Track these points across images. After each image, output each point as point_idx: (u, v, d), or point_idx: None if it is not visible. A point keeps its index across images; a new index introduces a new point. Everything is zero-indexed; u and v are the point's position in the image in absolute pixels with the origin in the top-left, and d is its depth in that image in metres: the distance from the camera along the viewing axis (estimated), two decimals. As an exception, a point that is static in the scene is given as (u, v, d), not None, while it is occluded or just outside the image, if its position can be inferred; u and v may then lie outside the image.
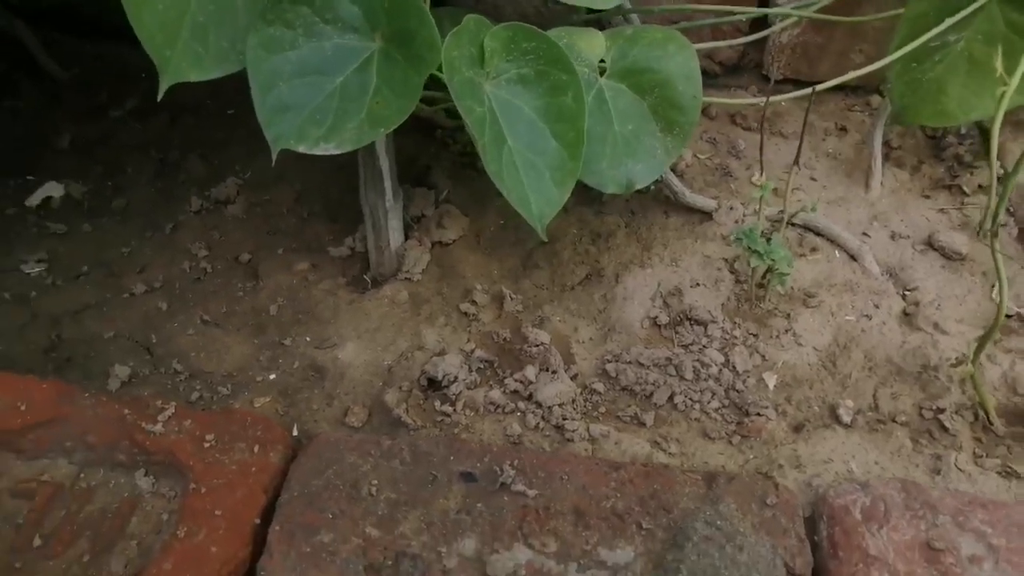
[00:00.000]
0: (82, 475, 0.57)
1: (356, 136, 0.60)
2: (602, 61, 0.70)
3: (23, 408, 0.58)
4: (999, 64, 0.48)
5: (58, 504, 0.55)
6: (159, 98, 0.58)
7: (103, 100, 1.01)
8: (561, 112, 0.63)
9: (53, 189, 0.87)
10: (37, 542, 0.53)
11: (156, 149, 0.93)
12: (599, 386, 0.69)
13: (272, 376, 0.70)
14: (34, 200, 0.86)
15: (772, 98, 0.78)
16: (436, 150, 0.92)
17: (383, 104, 0.60)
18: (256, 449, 0.57)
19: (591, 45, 0.70)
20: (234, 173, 0.89)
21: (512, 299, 0.76)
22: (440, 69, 0.59)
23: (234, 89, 1.04)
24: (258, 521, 0.53)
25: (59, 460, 0.58)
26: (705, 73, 1.03)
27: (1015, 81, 0.50)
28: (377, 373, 0.70)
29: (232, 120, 0.98)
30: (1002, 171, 0.88)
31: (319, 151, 0.60)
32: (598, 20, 0.89)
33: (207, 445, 0.57)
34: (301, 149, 0.60)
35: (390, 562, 0.52)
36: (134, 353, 0.72)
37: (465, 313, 0.75)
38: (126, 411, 0.58)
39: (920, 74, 0.78)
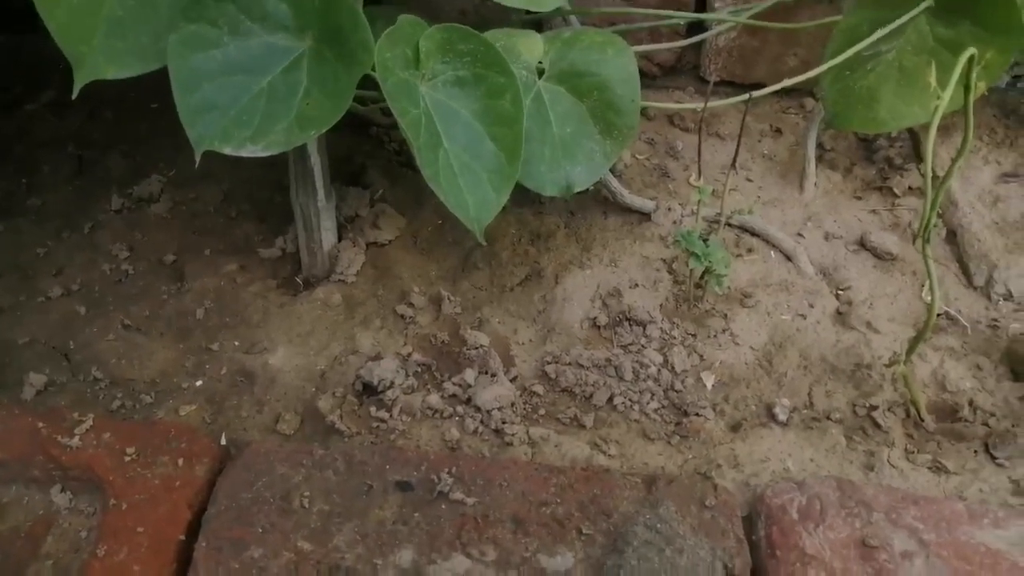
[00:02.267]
0: (-8, 493, 0.54)
1: (285, 138, 0.58)
2: (540, 63, 0.70)
3: (-74, 421, 0.54)
4: (933, 78, 0.49)
5: (-36, 525, 0.52)
6: (74, 95, 0.55)
7: (17, 94, 0.96)
8: (499, 115, 0.62)
9: (-38, 187, 0.82)
10: (-60, 566, 0.50)
11: (74, 145, 0.88)
12: (539, 388, 0.68)
13: (199, 383, 0.67)
14: (-59, 199, 0.81)
15: (709, 104, 0.78)
16: (371, 148, 0.90)
17: (313, 106, 0.58)
18: (180, 462, 0.54)
19: (529, 47, 0.69)
20: (157, 170, 0.86)
21: (450, 301, 0.74)
22: (373, 70, 0.57)
23: (157, 83, 1.00)
24: (183, 537, 0.51)
25: (-35, 477, 0.54)
26: (643, 74, 1.03)
27: (948, 95, 0.51)
28: (310, 379, 0.68)
29: (155, 114, 0.95)
30: (933, 174, 0.90)
31: (245, 153, 0.58)
32: (537, 21, 0.88)
33: (128, 459, 0.54)
34: (226, 151, 0.58)
35: (323, 576, 0.50)
36: (50, 360, 0.68)
37: (402, 316, 0.73)
38: (40, 424, 0.55)
39: (852, 82, 0.79)
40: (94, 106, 0.93)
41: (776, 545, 0.54)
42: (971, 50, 0.50)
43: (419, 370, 0.69)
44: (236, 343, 0.70)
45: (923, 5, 0.72)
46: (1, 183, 0.84)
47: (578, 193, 0.84)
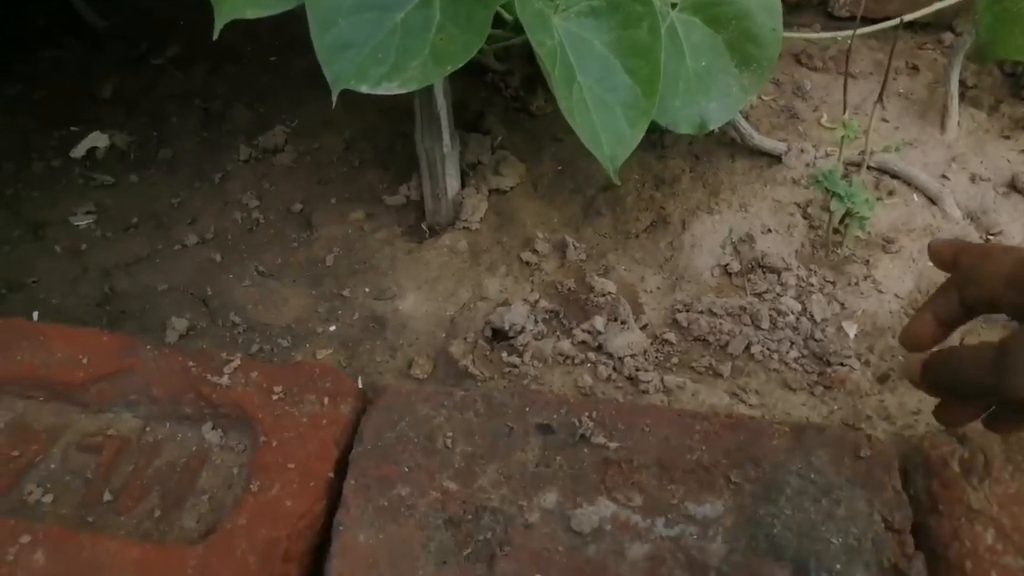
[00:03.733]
0: (148, 429, 0.56)
1: (421, 75, 0.56)
2: (675, -6, 0.67)
3: (85, 361, 0.56)
4: None
5: (125, 458, 0.54)
6: (215, 36, 0.56)
7: (143, 50, 0.98)
8: (635, 46, 0.60)
9: (98, 140, 0.85)
10: (107, 497, 0.52)
11: (200, 98, 0.90)
12: (671, 336, 0.66)
13: (332, 328, 0.68)
14: (79, 151, 0.84)
15: (859, 30, 0.74)
16: (488, 95, 0.89)
17: (447, 40, 0.57)
18: (326, 401, 0.54)
19: (663, -25, 0.66)
20: (280, 121, 0.86)
21: (575, 248, 0.73)
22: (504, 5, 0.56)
23: (274, 36, 1.02)
24: (332, 475, 0.51)
25: (124, 414, 0.56)
26: (768, 10, 0.98)
27: None
28: (440, 324, 0.68)
29: (274, 68, 0.95)
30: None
31: (381, 91, 0.57)
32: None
33: (275, 398, 0.55)
34: (363, 89, 0.57)
35: (470, 516, 0.50)
36: (190, 305, 0.70)
37: (527, 262, 0.72)
38: (190, 363, 0.56)
39: (1012, 4, 0.73)
40: (216, 61, 0.95)
41: (938, 499, 0.51)
42: None
43: (547, 316, 0.68)
44: (366, 289, 0.71)
45: (1100, -82, 0.66)
46: (133, 136, 0.86)
47: (705, 135, 0.81)
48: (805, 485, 0.51)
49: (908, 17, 0.67)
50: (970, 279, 0.43)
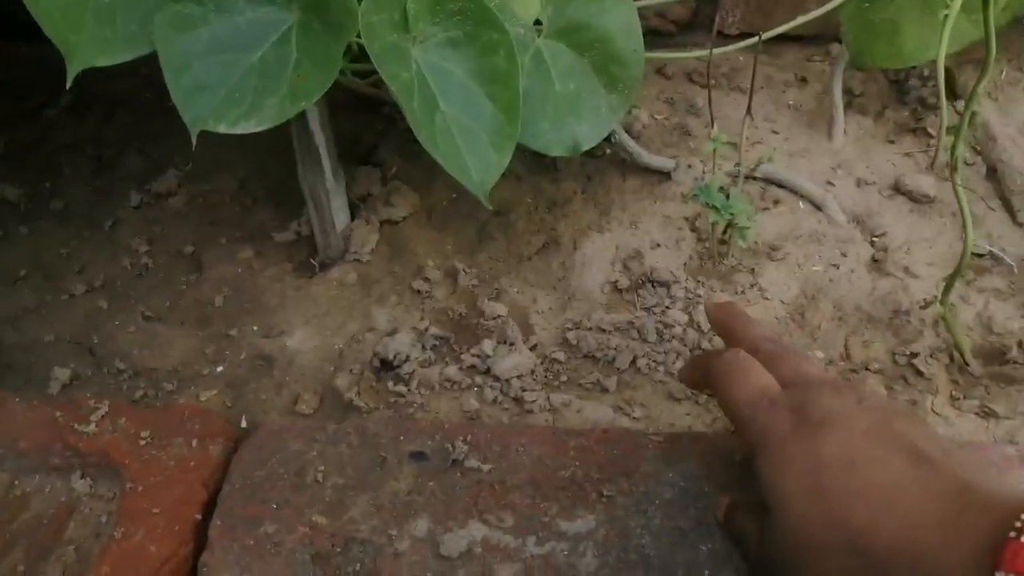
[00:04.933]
0: (16, 483, 0.54)
1: (278, 112, 0.57)
2: (538, 22, 0.68)
3: (-53, 417, 0.55)
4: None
5: (-11, 515, 0.52)
6: (67, 86, 0.55)
7: (38, 102, 0.97)
8: (494, 73, 0.61)
9: (-13, 194, 0.83)
10: (-32, 556, 0.50)
11: (92, 146, 0.89)
12: (560, 355, 0.67)
13: (219, 369, 0.67)
14: (-33, 207, 0.83)
15: (727, 54, 0.76)
16: (383, 127, 0.89)
17: (304, 77, 0.57)
18: (194, 443, 0.54)
19: (525, 5, 0.67)
20: (174, 165, 0.86)
21: (467, 273, 0.73)
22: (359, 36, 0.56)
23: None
24: (199, 517, 0.50)
25: (-11, 469, 0.55)
26: (660, 32, 1.01)
27: (956, 4, 0.48)
28: (328, 358, 0.67)
29: (170, 112, 0.92)
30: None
31: (239, 130, 0.57)
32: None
33: (143, 442, 0.53)
34: (221, 129, 0.57)
35: (339, 549, 0.49)
36: (75, 355, 0.69)
37: (418, 291, 0.72)
38: (58, 413, 0.55)
39: (873, 15, 0.76)
40: (110, 108, 0.94)
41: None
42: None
43: (436, 343, 0.68)
44: (255, 328, 0.70)
45: (942, -74, 0.68)
46: (24, 188, 0.85)
47: (594, 156, 0.82)
48: (676, 494, 0.51)
49: (768, 34, 0.69)
50: (719, 381, 0.49)
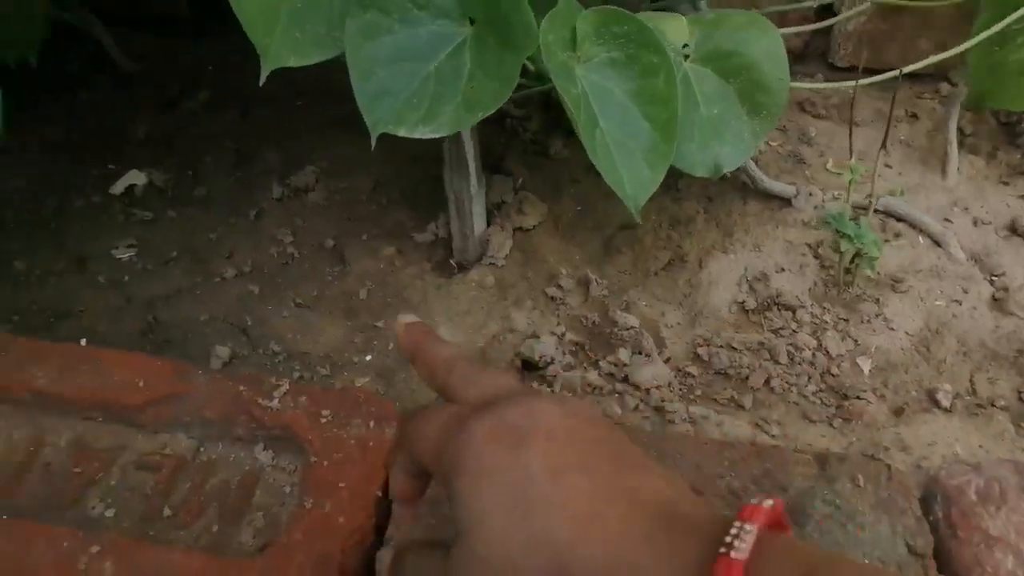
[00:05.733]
0: (202, 449, 0.58)
1: (453, 120, 0.60)
2: (685, 46, 0.71)
3: (141, 385, 0.59)
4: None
5: (182, 476, 0.56)
6: (261, 83, 0.59)
7: (174, 93, 1.02)
8: (653, 94, 0.64)
9: (136, 177, 0.88)
10: (166, 512, 0.54)
11: (231, 140, 0.94)
12: (693, 369, 0.70)
13: (368, 358, 0.71)
14: (118, 188, 0.87)
15: (843, 87, 0.79)
16: (507, 139, 0.93)
17: (478, 89, 0.61)
18: (371, 425, 0.57)
19: (675, 30, 0.70)
20: (311, 162, 0.90)
21: (597, 283, 0.76)
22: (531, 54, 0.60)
23: (301, 82, 1.06)
24: (379, 494, 0.54)
25: (178, 435, 0.59)
26: (774, 62, 1.03)
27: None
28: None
29: (302, 110, 0.99)
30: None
31: (417, 134, 0.61)
32: (663, 7, 0.90)
33: (323, 420, 0.57)
34: (400, 133, 0.61)
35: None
36: (231, 335, 0.73)
37: (552, 297, 0.76)
38: (241, 387, 0.59)
39: (1003, 57, 0.78)
40: (246, 105, 0.99)
41: (958, 526, 0.54)
42: None
43: (574, 349, 0.71)
44: (399, 321, 0.74)
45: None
46: (169, 174, 0.89)
47: (718, 178, 0.85)
48: (831, 510, 0.54)
49: (908, 69, 0.71)
50: (408, 446, 0.39)
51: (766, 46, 0.71)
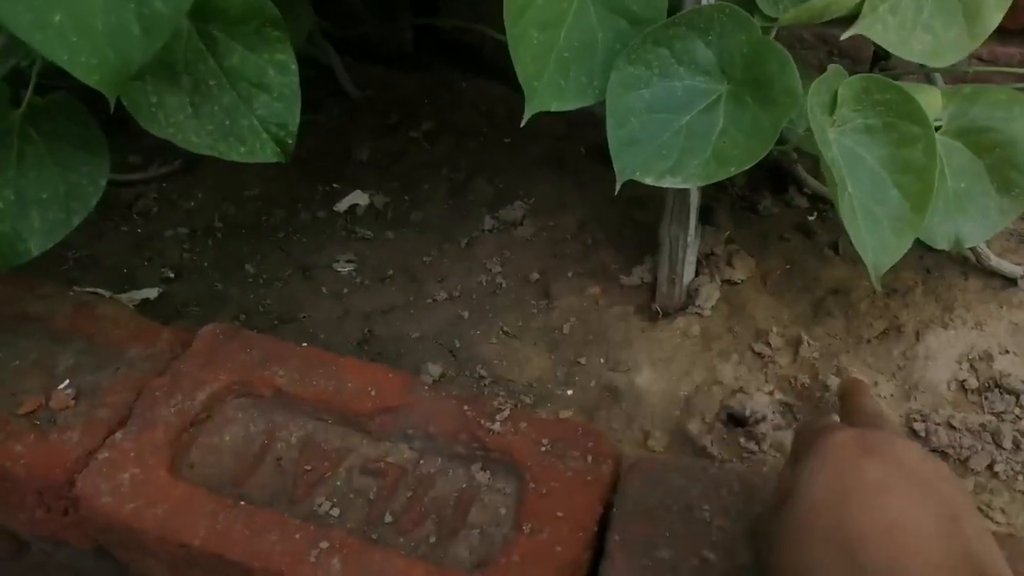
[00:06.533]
0: (422, 461, 0.61)
1: (703, 173, 0.62)
2: (938, 118, 0.70)
3: (373, 393, 0.62)
4: None
5: (404, 485, 0.59)
6: (522, 124, 0.62)
7: (394, 121, 1.08)
8: (907, 164, 0.63)
9: (359, 198, 0.94)
10: (388, 518, 0.57)
11: (447, 169, 0.99)
12: (908, 444, 0.67)
13: (569, 392, 0.72)
14: (342, 206, 0.94)
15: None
16: (715, 191, 0.93)
17: (730, 144, 0.62)
18: (589, 459, 0.58)
19: (928, 101, 0.69)
20: (519, 197, 0.93)
21: (809, 345, 0.75)
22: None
23: (506, 120, 1.10)
24: (596, 529, 0.54)
25: (400, 445, 0.62)
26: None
27: None
28: (674, 402, 0.71)
29: (509, 147, 1.03)
30: None
31: (665, 183, 0.62)
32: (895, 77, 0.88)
33: (543, 449, 0.59)
34: (647, 181, 0.63)
35: (728, 587, 0.52)
36: (440, 354, 0.76)
37: (759, 354, 0.75)
38: (466, 407, 0.61)
39: None
40: (459, 137, 1.04)
41: None
42: None
43: (783, 409, 0.70)
44: (601, 360, 0.75)
45: None
46: (388, 197, 0.95)
47: (934, 250, 0.82)
48: (1077, 611, 0.50)
49: None
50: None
51: (1025, 125, 0.69)
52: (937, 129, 0.69)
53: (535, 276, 0.84)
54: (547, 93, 0.64)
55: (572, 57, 0.65)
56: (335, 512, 0.57)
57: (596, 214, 0.91)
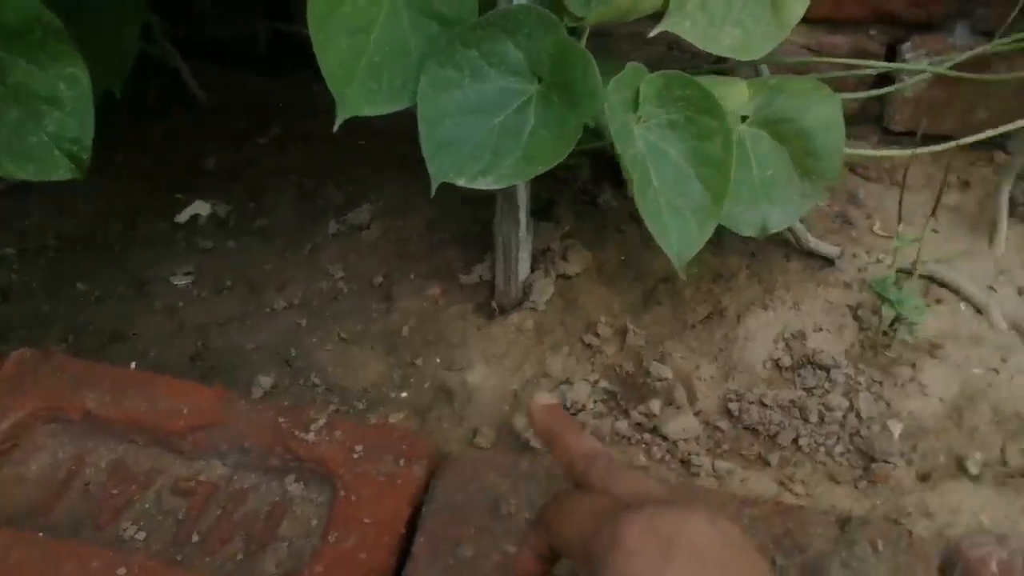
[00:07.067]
0: (235, 477, 0.61)
1: (513, 172, 0.63)
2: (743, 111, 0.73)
3: (185, 411, 0.62)
4: None
5: (213, 504, 0.59)
6: (335, 129, 0.63)
7: (244, 127, 1.07)
8: (707, 157, 0.66)
9: (201, 208, 0.93)
10: (195, 538, 0.57)
11: (295, 175, 0.98)
12: (722, 424, 0.70)
13: (404, 394, 0.73)
14: (183, 217, 0.92)
15: (897, 153, 0.79)
16: (558, 187, 0.95)
17: (539, 144, 0.64)
18: (402, 462, 0.59)
19: (733, 94, 0.72)
20: (368, 200, 0.94)
21: (635, 333, 0.78)
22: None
23: (362, 124, 1.10)
24: (403, 531, 0.56)
25: (214, 462, 0.62)
26: (826, 123, 1.03)
27: None
28: (504, 397, 0.73)
29: (362, 150, 1.03)
30: None
31: (477, 185, 0.64)
32: (723, 71, 0.91)
33: (356, 456, 0.60)
34: (460, 183, 0.64)
35: (530, 580, 0.53)
36: (275, 365, 0.76)
37: (588, 344, 0.77)
38: (281, 419, 0.62)
39: (1059, 132, 0.77)
40: (310, 142, 1.03)
41: (976, 598, 0.53)
42: None
43: (606, 397, 0.72)
44: (437, 360, 0.76)
45: None
46: (233, 205, 0.94)
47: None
48: (848, 574, 0.54)
49: (964, 141, 0.72)
50: (550, 527, 0.42)
51: (824, 114, 0.72)
52: (745, 120, 0.73)
53: (379, 279, 0.85)
54: (359, 98, 0.64)
55: (384, 61, 0.65)
56: (140, 536, 0.57)
57: (444, 214, 0.92)
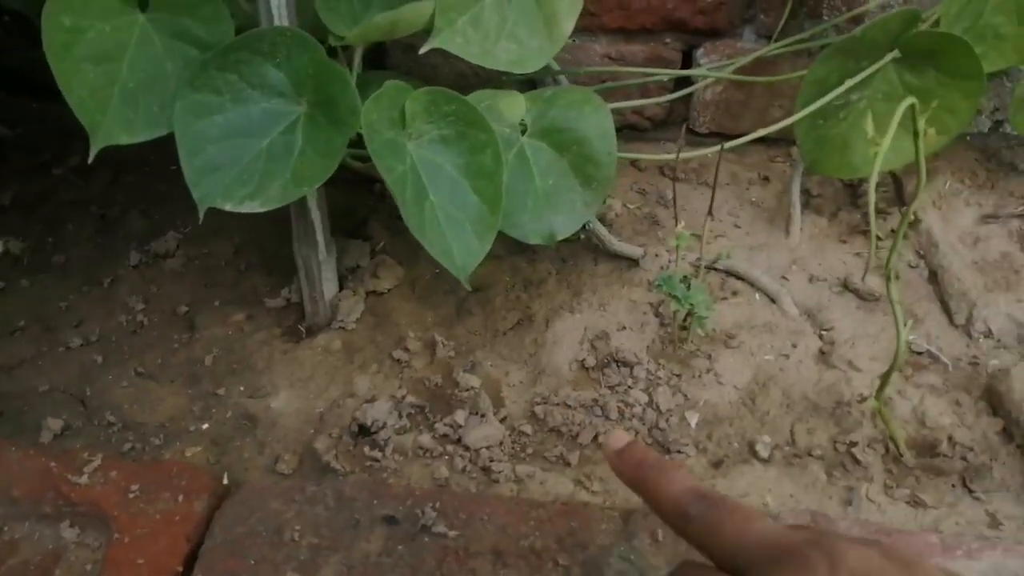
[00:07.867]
0: (5, 528, 0.58)
1: (281, 194, 0.63)
2: (523, 121, 0.74)
3: (-51, 463, 0.58)
4: (870, 127, 0.52)
5: (-20, 558, 0.56)
6: (90, 161, 0.61)
7: (46, 158, 1.02)
8: (481, 169, 0.67)
9: (-9, 246, 0.88)
10: (-42, 596, 0.54)
11: (98, 205, 0.94)
12: (527, 428, 0.71)
13: (204, 426, 0.71)
14: (-28, 258, 0.87)
15: (696, 154, 0.83)
16: (374, 203, 0.95)
17: (307, 164, 0.63)
18: (180, 498, 0.57)
19: (511, 106, 0.73)
20: (174, 228, 0.91)
21: (444, 345, 0.78)
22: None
23: (173, 145, 1.07)
24: (180, 569, 0.54)
25: (-18, 514, 0.58)
26: (636, 128, 1.08)
27: (886, 142, 0.54)
28: (309, 421, 0.72)
29: (173, 175, 0.99)
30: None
31: (245, 209, 0.63)
32: (531, 81, 0.93)
33: (132, 495, 0.57)
34: (227, 207, 0.63)
35: (310, 605, 0.53)
36: (68, 406, 0.72)
37: (398, 360, 0.77)
38: (52, 463, 0.59)
39: (826, 131, 0.83)
40: (117, 170, 1.00)
41: (747, 575, 0.55)
42: (910, 99, 0.53)
43: (412, 411, 0.72)
44: (241, 388, 0.74)
45: (888, 57, 0.76)
46: (29, 242, 0.89)
47: (569, 241, 0.88)
48: (625, 567, 0.55)
49: (731, 144, 0.75)
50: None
51: (596, 123, 0.75)
52: (525, 131, 0.74)
53: (183, 309, 0.82)
54: (114, 126, 0.63)
55: (140, 88, 0.63)
56: (-103, 601, 0.53)
57: (253, 238, 0.90)
